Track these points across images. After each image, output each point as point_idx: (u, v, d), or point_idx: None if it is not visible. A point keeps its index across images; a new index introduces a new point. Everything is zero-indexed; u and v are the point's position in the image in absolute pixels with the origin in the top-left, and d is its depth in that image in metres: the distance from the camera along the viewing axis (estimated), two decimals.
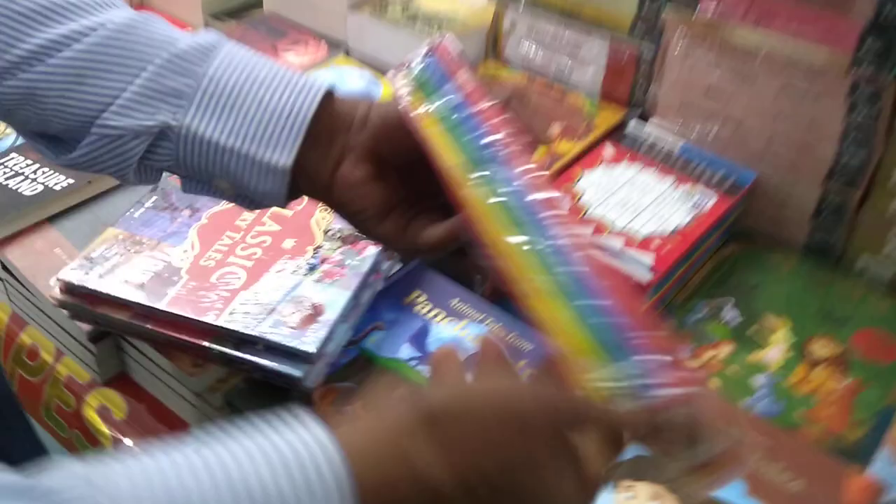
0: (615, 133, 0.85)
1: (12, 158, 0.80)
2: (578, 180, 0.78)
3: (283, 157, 0.47)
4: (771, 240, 0.81)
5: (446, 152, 0.44)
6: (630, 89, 0.88)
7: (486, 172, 0.42)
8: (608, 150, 0.82)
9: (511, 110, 0.45)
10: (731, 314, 0.73)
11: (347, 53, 1.00)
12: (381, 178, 0.48)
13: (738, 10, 0.73)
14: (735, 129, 0.80)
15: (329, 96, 0.48)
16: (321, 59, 0.98)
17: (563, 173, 0.78)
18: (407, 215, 0.49)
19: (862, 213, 0.75)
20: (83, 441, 0.72)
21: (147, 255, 0.65)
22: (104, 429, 0.68)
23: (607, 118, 0.87)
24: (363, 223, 0.49)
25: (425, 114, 0.45)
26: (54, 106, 0.47)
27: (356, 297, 0.65)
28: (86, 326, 0.66)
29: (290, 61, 0.97)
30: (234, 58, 0.48)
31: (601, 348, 0.37)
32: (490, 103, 0.45)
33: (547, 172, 0.40)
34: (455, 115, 0.45)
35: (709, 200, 0.76)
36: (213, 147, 0.47)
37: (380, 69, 0.95)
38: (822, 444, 0.62)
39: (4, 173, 0.78)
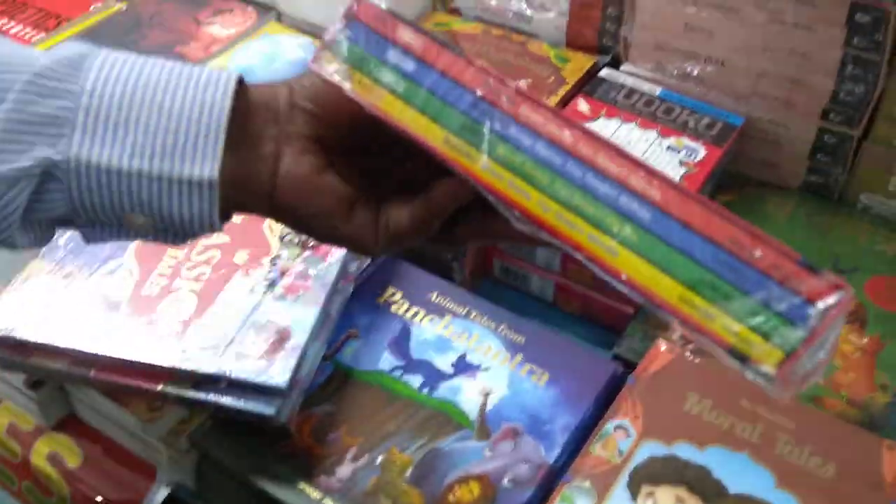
0: (587, 84, 0.77)
1: None
2: None
3: (206, 168, 0.37)
4: (765, 185, 0.75)
5: (426, 133, 0.36)
6: (598, 32, 0.80)
7: (488, 134, 0.34)
8: (582, 104, 0.74)
9: None
10: None
11: (279, 19, 0.90)
12: (331, 168, 0.40)
13: None
14: (719, 68, 0.73)
15: (242, 86, 0.39)
16: (250, 28, 0.88)
17: None
18: (375, 204, 0.41)
19: (863, 150, 0.69)
20: (37, 493, 0.65)
21: (80, 289, 0.57)
22: (58, 477, 0.61)
23: (576, 68, 0.79)
24: (327, 226, 0.41)
25: (378, 94, 0.37)
26: None
27: (325, 310, 0.57)
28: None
29: (214, 34, 0.87)
30: (115, 64, 0.38)
31: (711, 284, 0.31)
32: (452, 54, 0.37)
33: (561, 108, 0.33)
34: (416, 85, 0.37)
35: (697, 153, 0.69)
36: (116, 175, 0.37)
37: (319, 35, 0.85)
38: (848, 416, 0.57)
39: None
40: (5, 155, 0.36)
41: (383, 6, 0.38)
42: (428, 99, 0.36)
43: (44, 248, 0.60)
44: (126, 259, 0.59)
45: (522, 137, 0.34)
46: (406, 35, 0.37)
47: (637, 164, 0.33)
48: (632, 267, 0.32)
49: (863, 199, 0.72)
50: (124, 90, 0.37)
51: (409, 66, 0.37)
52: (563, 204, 0.33)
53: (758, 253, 0.31)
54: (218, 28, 0.88)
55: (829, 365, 0.32)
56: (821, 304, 0.30)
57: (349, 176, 0.40)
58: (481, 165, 0.35)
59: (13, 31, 0.89)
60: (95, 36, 0.85)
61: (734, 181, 0.75)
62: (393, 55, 0.37)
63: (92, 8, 0.95)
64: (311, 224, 0.41)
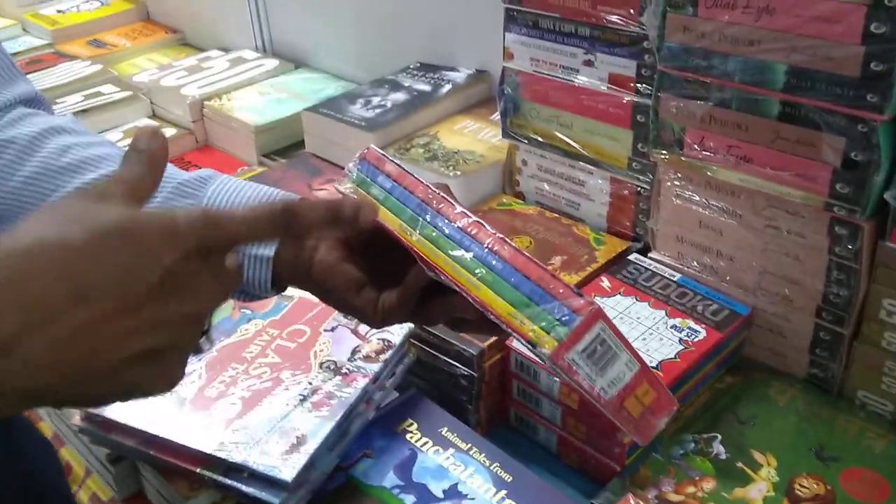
0: (616, 265, 0.88)
1: None
2: None
3: (268, 249, 0.58)
4: (772, 371, 0.81)
5: (391, 221, 0.54)
6: (632, 223, 0.92)
7: (421, 221, 0.53)
8: (605, 281, 0.85)
9: None
10: (718, 448, 0.73)
11: None
12: (350, 261, 0.57)
13: (720, 151, 0.77)
14: (728, 263, 0.82)
15: None
16: None
17: None
18: (376, 289, 0.56)
19: (855, 348, 0.75)
20: None
21: None
22: None
23: (610, 250, 0.90)
24: (342, 299, 0.57)
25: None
26: None
27: (340, 426, 0.69)
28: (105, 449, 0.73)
29: (320, 196, 1.06)
30: (226, 183, 0.61)
31: (524, 303, 0.48)
32: (413, 178, 0.54)
33: (461, 209, 0.52)
34: (389, 194, 0.55)
35: (698, 334, 0.78)
36: None
37: None
38: None
39: None
40: None
41: (380, 153, 0.57)
42: (394, 203, 0.54)
43: None
44: (199, 366, 0.74)
45: (438, 223, 0.52)
46: (389, 167, 0.56)
47: (500, 239, 0.50)
48: (484, 294, 0.49)
49: (860, 396, 0.77)
50: (228, 199, 0.60)
51: (388, 184, 0.55)
52: (454, 258, 0.50)
53: (552, 285, 0.48)
54: (324, 193, 1.07)
55: None
56: (578, 314, 0.47)
57: (361, 267, 0.57)
58: (415, 238, 0.52)
59: None
60: None
61: (744, 365, 0.82)
62: (381, 179, 0.56)
63: (239, 170, 1.18)
64: (331, 295, 0.58)
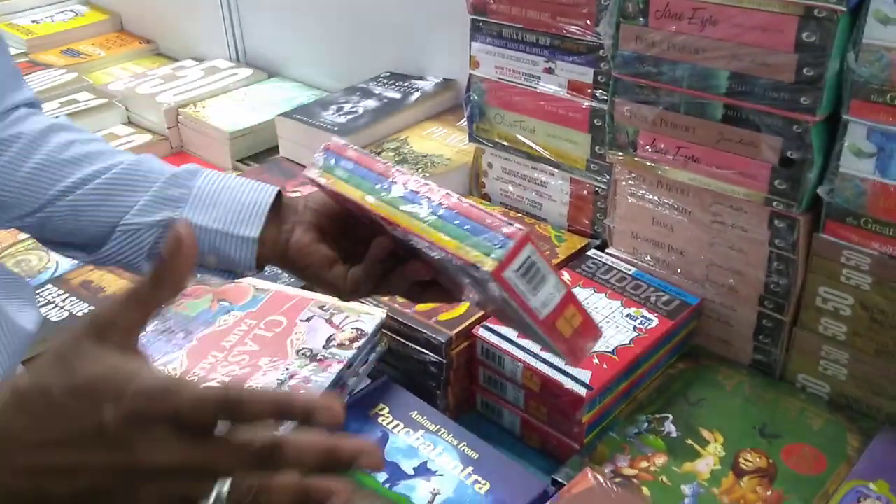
0: (576, 260, 0.93)
1: (47, 289, 0.93)
2: None
3: (252, 231, 0.65)
4: (721, 358, 0.87)
5: (353, 192, 0.61)
6: (591, 221, 0.98)
7: (379, 187, 0.60)
8: (565, 275, 0.90)
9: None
10: (669, 428, 0.78)
11: None
12: (322, 241, 0.65)
13: (669, 152, 0.83)
14: (679, 256, 0.88)
15: (280, 194, 0.67)
16: None
17: None
18: (346, 265, 0.64)
19: (795, 334, 0.81)
20: None
21: None
22: None
23: (570, 247, 0.96)
24: (315, 273, 0.65)
25: (334, 181, 0.62)
26: (90, 216, 0.67)
27: None
28: None
29: None
30: (213, 176, 0.68)
31: (466, 236, 0.55)
32: (369, 157, 0.61)
33: (415, 177, 0.59)
34: (351, 173, 0.61)
35: (650, 322, 0.83)
36: (204, 231, 0.66)
37: None
38: None
39: (40, 302, 0.91)
40: (148, 214, 0.66)
41: (342, 142, 0.63)
42: (356, 179, 0.61)
43: None
44: (180, 354, 0.78)
45: (393, 188, 0.58)
46: (350, 153, 0.63)
47: (446, 194, 0.57)
48: (434, 236, 0.55)
49: (800, 379, 0.83)
50: (216, 189, 0.67)
51: (350, 165, 0.62)
52: (408, 212, 0.57)
53: (488, 220, 0.54)
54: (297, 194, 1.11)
55: None
56: (511, 239, 0.53)
57: (332, 247, 0.64)
58: (373, 202, 0.59)
59: None
60: None
61: (695, 353, 0.88)
62: (343, 163, 0.62)
63: None
64: (306, 272, 0.65)
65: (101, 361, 0.41)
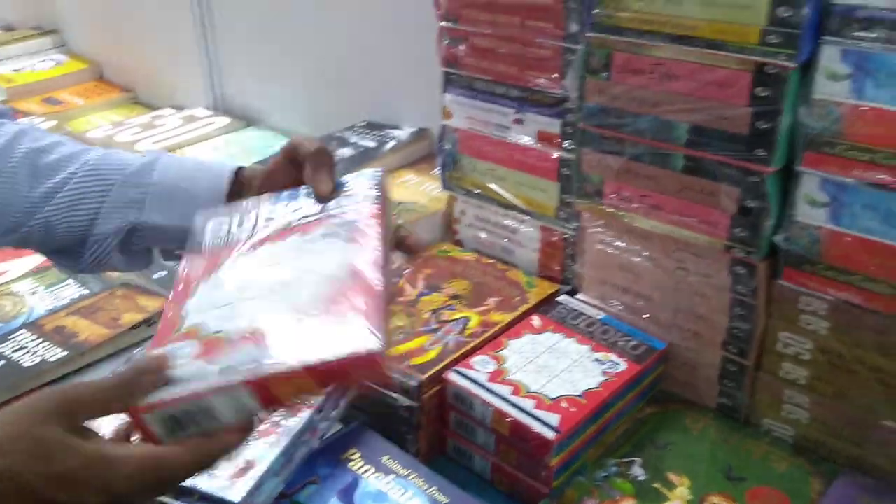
0: (546, 305, 0.95)
1: (21, 334, 0.94)
2: (504, 348, 0.87)
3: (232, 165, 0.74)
4: (688, 402, 0.89)
5: None
6: (562, 267, 1.00)
7: None
8: (536, 320, 0.92)
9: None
10: (637, 471, 0.79)
11: None
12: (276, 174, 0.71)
13: (634, 200, 0.85)
14: (646, 302, 0.90)
15: (238, 171, 0.74)
16: None
17: (493, 341, 0.88)
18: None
19: (758, 379, 0.83)
20: None
21: None
22: None
23: (540, 292, 0.97)
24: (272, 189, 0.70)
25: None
26: (64, 229, 0.73)
27: (286, 453, 0.74)
28: None
29: None
30: (170, 165, 0.74)
31: None
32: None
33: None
34: None
35: (618, 366, 0.85)
36: (165, 229, 0.72)
37: None
38: None
39: (12, 347, 0.91)
40: (112, 220, 0.73)
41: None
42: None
43: None
44: None
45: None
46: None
47: None
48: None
49: (764, 423, 0.84)
50: (175, 179, 0.73)
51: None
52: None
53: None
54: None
55: None
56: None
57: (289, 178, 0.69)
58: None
59: None
60: None
61: (663, 397, 0.89)
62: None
63: None
64: (263, 188, 0.70)
65: (76, 452, 0.45)
